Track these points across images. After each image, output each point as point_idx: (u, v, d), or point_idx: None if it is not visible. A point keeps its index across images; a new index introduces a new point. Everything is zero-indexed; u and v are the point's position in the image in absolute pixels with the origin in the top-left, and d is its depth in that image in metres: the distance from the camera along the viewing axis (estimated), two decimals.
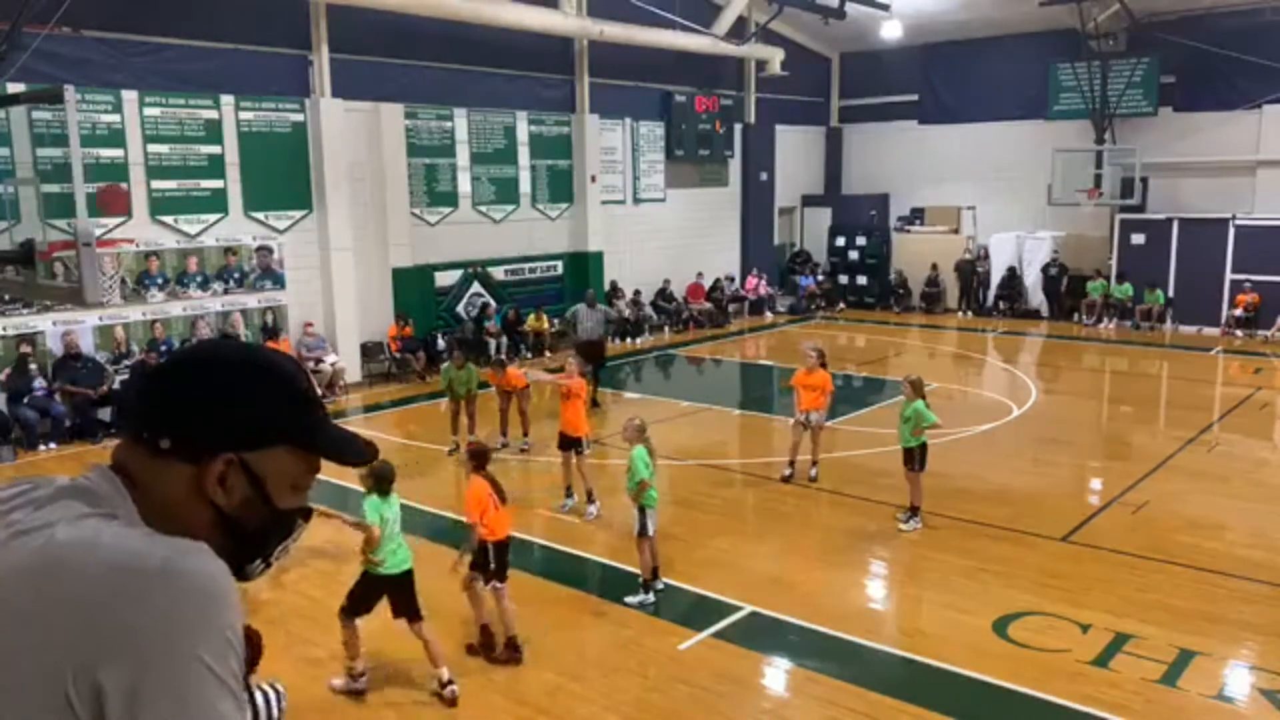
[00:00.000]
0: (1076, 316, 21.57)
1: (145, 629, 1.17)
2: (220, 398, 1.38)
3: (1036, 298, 22.44)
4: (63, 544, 1.23)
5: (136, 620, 1.17)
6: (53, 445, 12.36)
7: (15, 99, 11.72)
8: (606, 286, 20.31)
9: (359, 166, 16.03)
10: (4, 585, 1.21)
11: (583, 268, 19.85)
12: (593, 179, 19.85)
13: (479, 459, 6.96)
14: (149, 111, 13.79)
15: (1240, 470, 11.27)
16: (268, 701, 4.53)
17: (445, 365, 13.13)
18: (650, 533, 7.68)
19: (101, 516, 1.28)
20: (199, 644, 1.18)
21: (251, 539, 1.43)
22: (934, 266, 23.65)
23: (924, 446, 9.30)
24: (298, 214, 15.48)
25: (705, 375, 18.28)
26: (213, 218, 14.59)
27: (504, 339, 17.83)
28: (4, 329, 12.78)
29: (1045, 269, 22.09)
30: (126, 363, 13.52)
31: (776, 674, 6.79)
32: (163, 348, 13.63)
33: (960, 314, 23.02)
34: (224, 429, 1.37)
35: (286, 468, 1.42)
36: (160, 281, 14.12)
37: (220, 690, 1.19)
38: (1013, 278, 22.44)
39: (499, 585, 6.79)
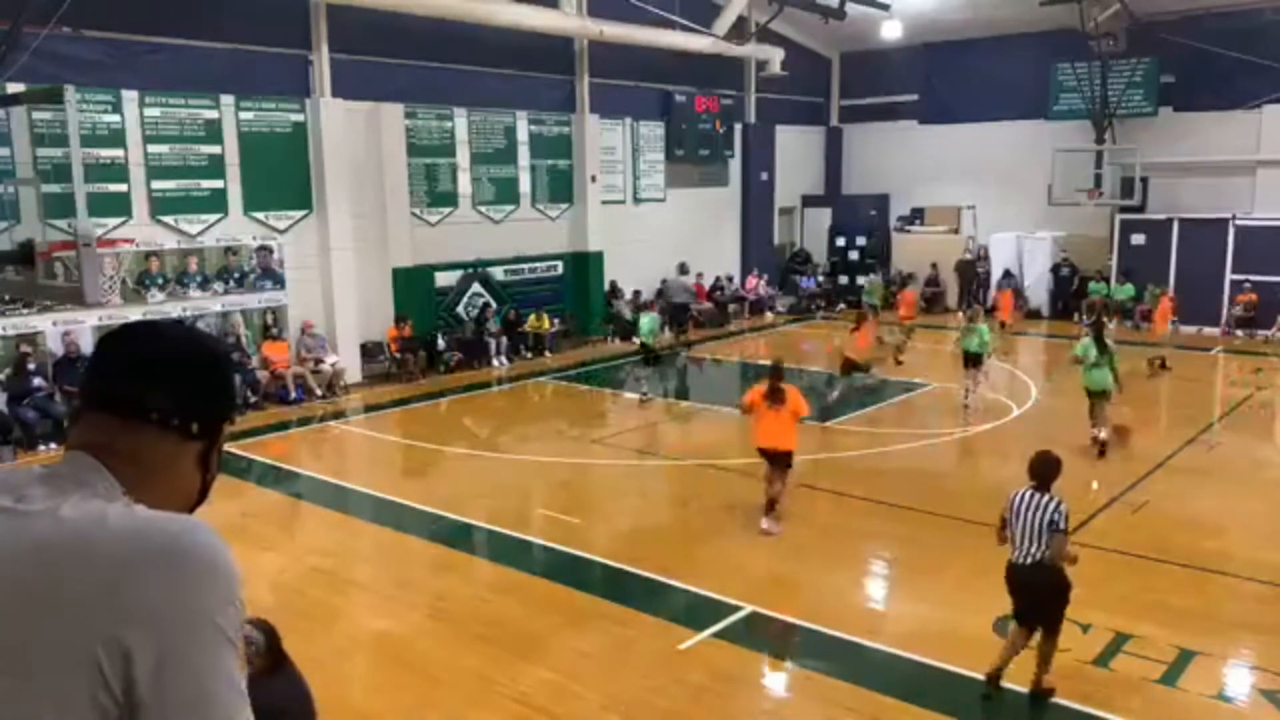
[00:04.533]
0: (1076, 316, 21.56)
1: (165, 600, 1.26)
2: (229, 382, 1.62)
3: (1037, 297, 22.44)
4: (71, 525, 1.30)
5: (156, 592, 1.26)
6: (53, 445, 12.35)
7: (15, 99, 11.71)
8: (606, 286, 20.31)
9: (359, 166, 16.02)
10: (19, 568, 1.28)
11: (583, 268, 19.85)
12: (593, 179, 19.85)
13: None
14: (149, 112, 13.78)
15: (1240, 470, 11.27)
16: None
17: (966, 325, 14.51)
18: None
19: (96, 498, 1.37)
20: (214, 611, 1.29)
21: (203, 496, 1.58)
22: (933, 266, 23.64)
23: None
24: (298, 214, 15.48)
25: (705, 375, 18.28)
26: (213, 218, 14.58)
27: (504, 339, 17.82)
28: (4, 329, 12.78)
29: (1055, 269, 22.08)
30: None
31: (776, 674, 6.79)
32: None
33: (960, 314, 23.00)
34: (226, 406, 1.58)
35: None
36: (160, 281, 14.12)
37: (231, 652, 1.31)
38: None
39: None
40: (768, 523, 9.12)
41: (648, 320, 15.75)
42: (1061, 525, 5.93)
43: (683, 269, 21.36)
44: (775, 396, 9.01)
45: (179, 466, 1.49)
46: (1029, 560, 6.01)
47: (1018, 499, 6.13)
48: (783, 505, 9.33)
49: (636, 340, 15.80)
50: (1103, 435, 11.57)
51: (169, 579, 1.27)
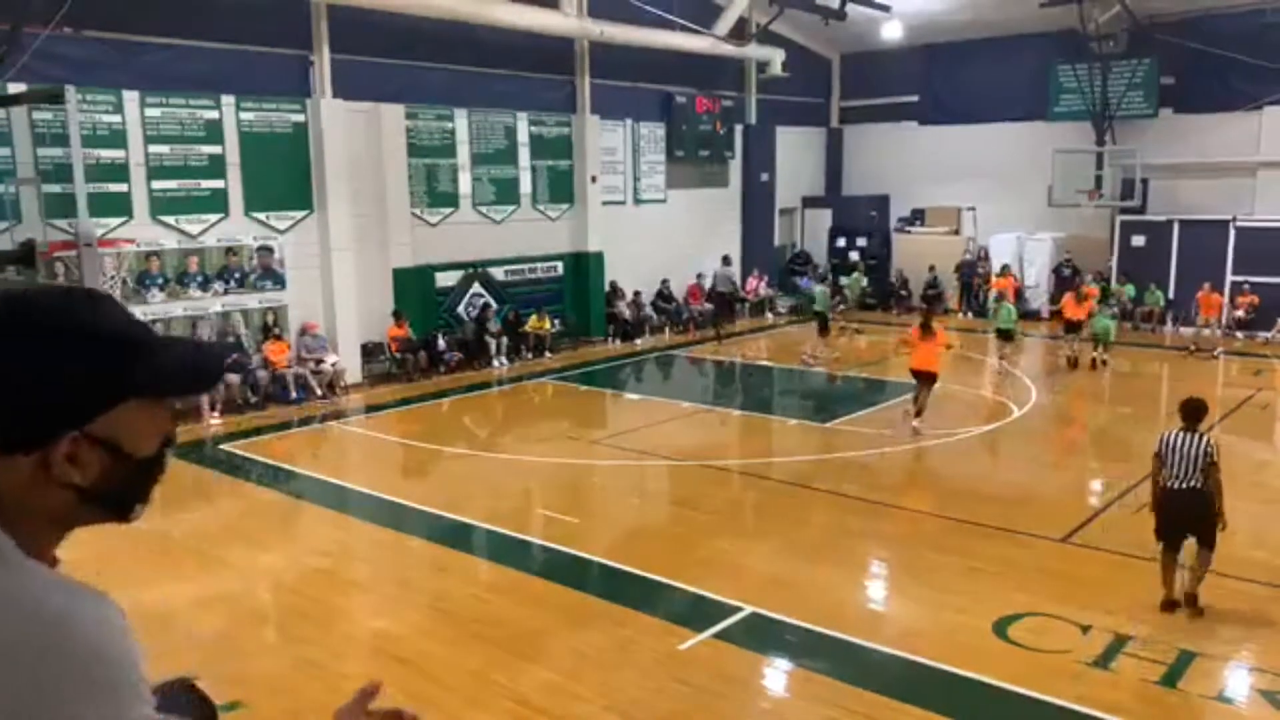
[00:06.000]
0: None
1: (26, 701, 1.09)
2: (35, 376, 1.16)
3: (1037, 299, 22.44)
4: None
5: (15, 691, 1.09)
6: None
7: (16, 99, 11.73)
8: (606, 287, 20.30)
9: (359, 166, 16.02)
10: None
11: (583, 268, 19.85)
12: (593, 179, 19.84)
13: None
14: (150, 112, 13.78)
15: (1240, 471, 11.23)
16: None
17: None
18: None
19: None
20: (88, 710, 1.12)
21: (123, 496, 1.27)
22: (931, 268, 23.64)
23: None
24: (298, 214, 15.48)
25: (705, 376, 18.29)
26: (213, 218, 14.58)
27: (504, 340, 17.82)
28: None
29: (1057, 270, 22.07)
30: None
31: (776, 674, 6.78)
32: None
33: (960, 315, 23.02)
34: (52, 409, 1.17)
35: (140, 419, 1.25)
36: (161, 281, 14.12)
37: None
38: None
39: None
40: (917, 423, 12.55)
41: (821, 290, 18.90)
42: (1215, 458, 7.08)
43: (726, 261, 22.09)
44: (927, 331, 12.69)
45: (8, 486, 1.18)
46: (1186, 486, 7.14)
47: (1172, 437, 7.24)
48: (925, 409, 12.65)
49: (814, 309, 18.78)
50: (1097, 355, 16.49)
51: (30, 677, 1.09)
